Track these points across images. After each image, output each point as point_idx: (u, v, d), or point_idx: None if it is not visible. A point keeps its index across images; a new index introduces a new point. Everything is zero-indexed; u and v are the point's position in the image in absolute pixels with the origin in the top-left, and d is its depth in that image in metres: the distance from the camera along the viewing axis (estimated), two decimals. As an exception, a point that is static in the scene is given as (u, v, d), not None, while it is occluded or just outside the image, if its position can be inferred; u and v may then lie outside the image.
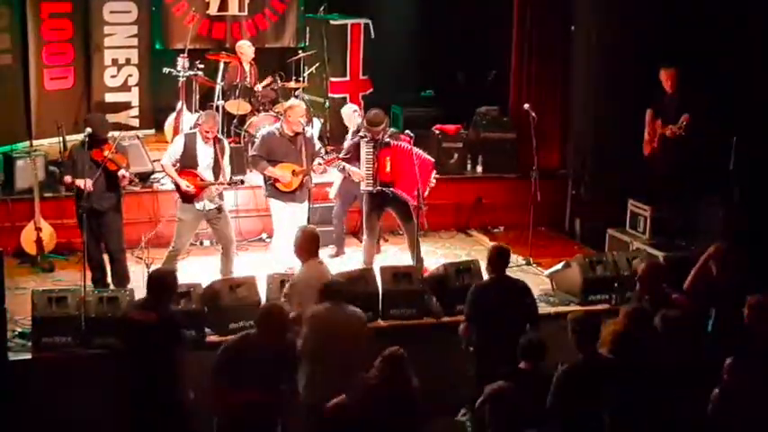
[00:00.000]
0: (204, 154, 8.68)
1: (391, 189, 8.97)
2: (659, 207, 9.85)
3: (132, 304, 7.26)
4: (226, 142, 8.99)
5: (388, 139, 8.97)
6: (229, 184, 8.75)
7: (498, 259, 7.34)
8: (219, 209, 8.78)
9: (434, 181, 9.06)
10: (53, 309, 7.71)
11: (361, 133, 9.20)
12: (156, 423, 6.44)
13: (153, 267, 8.24)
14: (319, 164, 9.01)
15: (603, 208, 10.61)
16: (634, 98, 10.08)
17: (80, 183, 8.28)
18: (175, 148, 8.78)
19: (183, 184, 8.60)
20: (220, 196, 8.77)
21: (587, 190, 10.96)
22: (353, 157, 9.14)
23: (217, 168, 8.67)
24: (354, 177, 9.22)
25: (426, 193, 8.97)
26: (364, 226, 9.30)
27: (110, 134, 8.64)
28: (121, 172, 8.38)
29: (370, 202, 9.14)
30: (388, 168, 8.91)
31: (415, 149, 9.02)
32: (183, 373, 6.48)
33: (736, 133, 9.45)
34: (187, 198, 8.65)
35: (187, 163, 8.66)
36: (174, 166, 8.69)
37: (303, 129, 8.94)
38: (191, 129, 9.77)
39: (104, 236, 8.56)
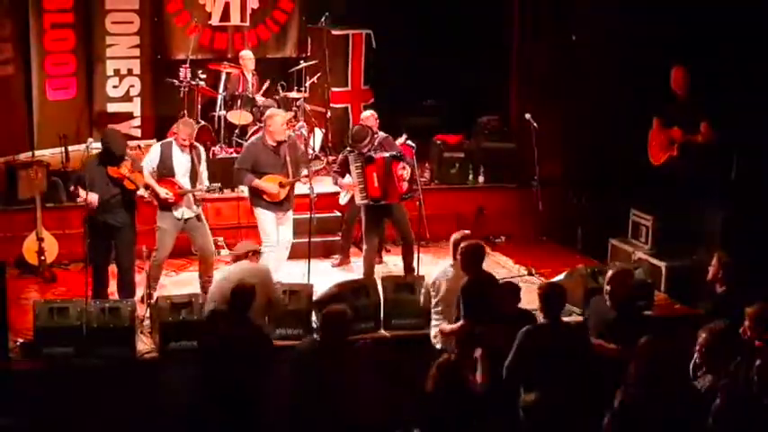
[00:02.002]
0: (180, 162, 8.69)
1: (382, 203, 9.00)
2: (664, 215, 9.84)
3: (212, 317, 7.29)
4: (201, 149, 9.01)
5: (371, 154, 9.00)
6: (207, 191, 8.76)
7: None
8: (198, 217, 8.79)
9: (404, 172, 8.96)
10: (55, 319, 7.72)
11: (348, 149, 9.25)
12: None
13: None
14: (306, 176, 9.00)
15: (605, 218, 10.61)
16: (635, 107, 10.09)
17: (86, 196, 8.25)
18: (152, 156, 8.79)
19: (163, 192, 8.59)
20: (197, 203, 8.78)
21: (589, 200, 10.96)
22: (345, 170, 9.21)
23: (194, 175, 8.69)
24: (346, 190, 9.27)
25: (405, 187, 8.99)
26: (364, 236, 9.31)
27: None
28: (140, 192, 8.36)
29: (369, 212, 9.17)
30: (375, 183, 8.93)
31: (387, 155, 9.00)
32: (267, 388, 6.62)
33: (737, 141, 9.45)
34: (165, 206, 8.66)
35: (164, 172, 8.67)
36: (151, 174, 8.68)
37: (287, 136, 8.99)
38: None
39: (116, 251, 8.53)
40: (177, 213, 8.67)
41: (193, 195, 8.69)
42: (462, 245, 7.38)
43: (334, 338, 6.50)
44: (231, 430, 6.52)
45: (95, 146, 8.92)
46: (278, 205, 8.90)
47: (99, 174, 8.31)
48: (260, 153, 8.90)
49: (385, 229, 9.69)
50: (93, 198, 8.26)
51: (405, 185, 9.03)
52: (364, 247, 9.28)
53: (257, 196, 8.94)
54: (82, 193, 8.31)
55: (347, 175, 9.21)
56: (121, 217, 8.40)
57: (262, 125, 10.84)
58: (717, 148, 9.25)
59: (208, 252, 8.90)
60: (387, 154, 9.05)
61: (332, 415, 6.32)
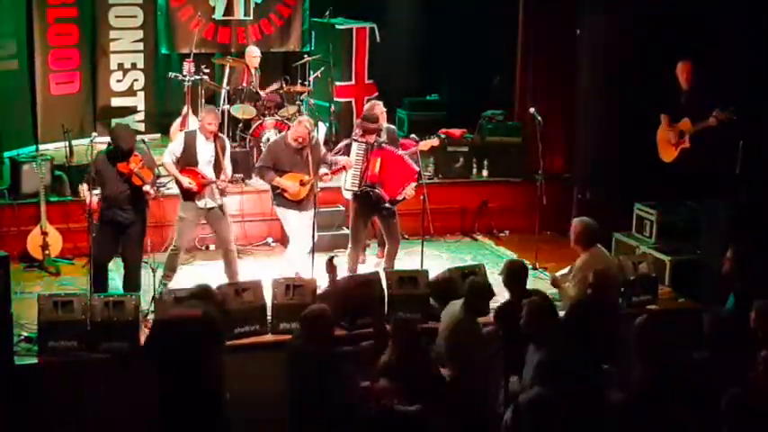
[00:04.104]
0: (204, 151, 8.64)
1: (375, 190, 8.91)
2: (669, 209, 9.81)
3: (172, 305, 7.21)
4: (226, 139, 8.97)
5: (380, 142, 8.96)
6: (231, 181, 8.72)
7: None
8: (221, 208, 8.75)
9: (412, 192, 8.96)
10: (59, 313, 7.71)
11: (354, 133, 9.20)
12: (192, 424, 6.37)
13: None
14: (326, 173, 8.92)
15: (609, 212, 10.59)
16: (640, 101, 10.06)
17: (89, 201, 8.22)
18: (176, 145, 8.76)
19: (186, 180, 8.55)
20: (222, 194, 8.74)
21: (593, 194, 10.94)
22: (344, 155, 9.12)
23: (218, 166, 8.65)
24: (345, 164, 9.11)
25: (400, 197, 8.95)
26: (351, 231, 9.22)
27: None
28: (146, 188, 8.27)
29: (357, 207, 9.08)
30: (377, 169, 8.86)
31: (405, 156, 9.01)
32: (221, 374, 6.49)
33: (741, 135, 9.42)
34: (188, 195, 8.62)
35: (188, 160, 8.62)
36: (175, 164, 8.67)
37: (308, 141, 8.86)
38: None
39: (123, 246, 8.47)
40: (200, 203, 8.63)
41: (217, 186, 8.63)
42: (507, 261, 7.62)
43: (316, 341, 6.26)
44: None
45: (99, 140, 8.91)
46: (298, 204, 8.84)
47: (108, 170, 8.26)
48: (281, 151, 8.85)
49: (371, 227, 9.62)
50: (93, 200, 8.21)
51: (400, 196, 8.95)
52: (349, 244, 9.18)
53: (279, 195, 8.87)
54: (86, 194, 8.26)
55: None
56: (130, 213, 8.32)
57: (264, 119, 10.93)
58: (731, 128, 9.18)
59: (227, 245, 8.81)
60: (412, 163, 8.97)
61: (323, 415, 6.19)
